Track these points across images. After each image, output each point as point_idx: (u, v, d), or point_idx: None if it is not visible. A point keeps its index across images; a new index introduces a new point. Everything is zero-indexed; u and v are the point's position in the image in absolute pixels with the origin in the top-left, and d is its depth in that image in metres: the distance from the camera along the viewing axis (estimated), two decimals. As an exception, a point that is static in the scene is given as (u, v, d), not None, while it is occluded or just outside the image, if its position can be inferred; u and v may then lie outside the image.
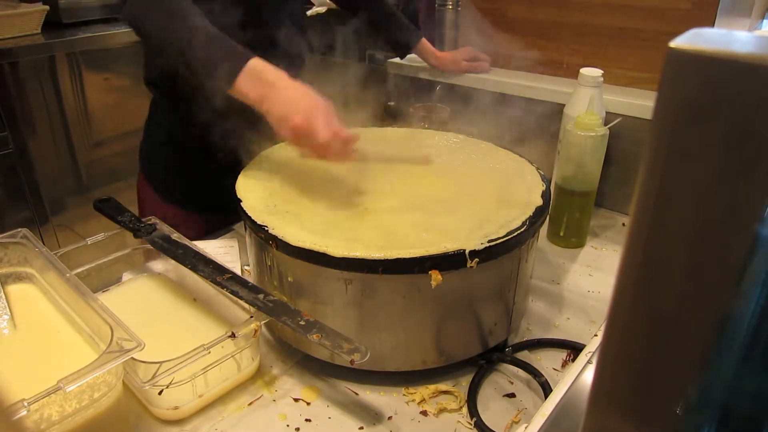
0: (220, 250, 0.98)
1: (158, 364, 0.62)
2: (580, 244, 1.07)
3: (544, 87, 1.21)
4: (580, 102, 1.01)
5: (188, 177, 1.14)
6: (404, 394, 0.74)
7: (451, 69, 1.32)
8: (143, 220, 0.88)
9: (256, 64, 0.78)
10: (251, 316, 0.71)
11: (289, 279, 0.72)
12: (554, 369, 0.78)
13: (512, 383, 0.76)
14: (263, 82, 0.77)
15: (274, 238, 0.69)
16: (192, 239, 0.86)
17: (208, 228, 1.13)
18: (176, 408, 0.68)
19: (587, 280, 0.98)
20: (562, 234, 1.06)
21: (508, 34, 1.29)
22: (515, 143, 0.98)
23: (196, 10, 0.82)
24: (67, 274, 0.72)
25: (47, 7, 2.10)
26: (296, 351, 0.79)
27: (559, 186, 1.03)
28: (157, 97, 1.13)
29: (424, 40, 1.30)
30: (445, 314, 0.71)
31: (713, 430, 0.28)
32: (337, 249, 0.66)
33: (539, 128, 1.23)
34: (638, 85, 1.15)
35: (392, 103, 1.45)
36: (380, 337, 0.71)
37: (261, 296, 0.71)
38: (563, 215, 1.05)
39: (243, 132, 0.93)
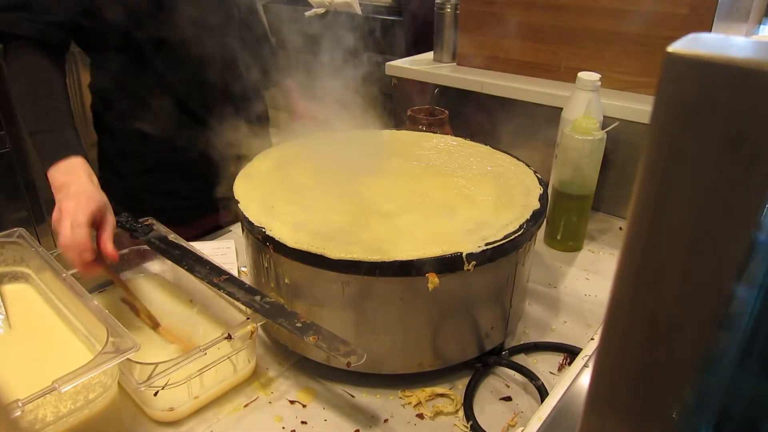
0: (217, 251, 0.98)
1: (154, 366, 0.62)
2: (577, 248, 1.08)
3: (542, 91, 1.21)
4: (578, 106, 1.01)
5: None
6: (400, 397, 0.74)
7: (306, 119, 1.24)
8: (140, 221, 0.88)
9: (65, 165, 0.83)
10: (248, 318, 0.71)
11: (286, 281, 0.72)
12: (551, 372, 0.78)
13: (509, 386, 0.76)
14: (57, 184, 0.82)
15: (271, 239, 0.69)
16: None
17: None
18: (172, 409, 0.68)
19: (584, 284, 0.98)
20: (559, 237, 1.06)
21: (506, 37, 1.29)
22: (513, 146, 0.98)
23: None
24: (64, 274, 0.72)
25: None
26: (292, 353, 0.79)
27: (557, 189, 1.03)
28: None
29: (292, 90, 1.25)
30: (442, 317, 0.71)
31: (709, 434, 0.28)
32: (334, 251, 0.66)
33: (537, 132, 1.23)
34: (636, 89, 1.15)
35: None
36: (377, 340, 0.71)
37: (258, 298, 0.71)
38: (560, 219, 1.05)
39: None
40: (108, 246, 0.77)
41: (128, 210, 0.99)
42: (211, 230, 1.13)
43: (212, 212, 1.15)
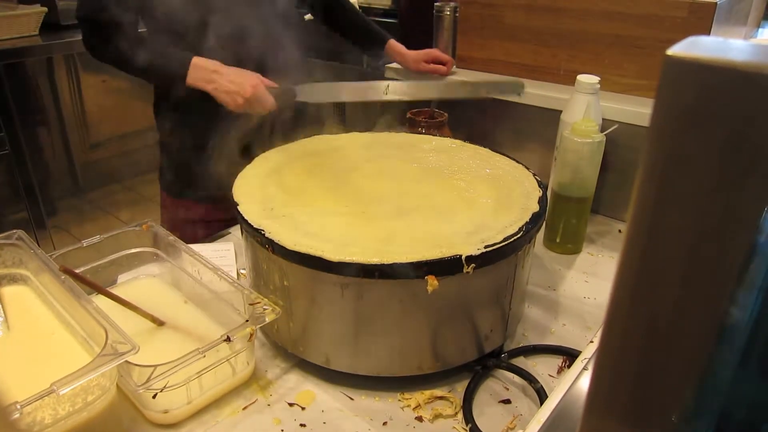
0: (216, 253, 0.98)
1: (153, 368, 0.62)
2: (576, 251, 1.08)
3: (542, 93, 1.21)
4: (577, 108, 1.01)
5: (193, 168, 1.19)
6: (399, 400, 0.73)
7: (412, 68, 1.35)
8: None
9: (197, 60, 1.01)
10: (247, 320, 0.71)
11: (285, 283, 0.72)
12: (550, 375, 0.78)
13: (508, 389, 0.76)
14: (207, 71, 1.01)
15: (271, 242, 0.69)
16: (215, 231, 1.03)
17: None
18: (170, 412, 0.68)
19: (583, 287, 0.98)
20: (558, 240, 1.06)
21: (505, 40, 1.30)
22: (512, 149, 0.98)
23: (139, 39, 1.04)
24: (62, 276, 0.72)
25: (45, 9, 2.10)
26: (291, 355, 0.79)
27: (556, 192, 1.03)
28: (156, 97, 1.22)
29: (391, 41, 1.37)
30: (441, 319, 0.71)
31: (709, 437, 0.28)
32: (333, 253, 0.66)
33: (536, 134, 1.23)
34: (635, 92, 1.15)
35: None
36: (376, 342, 0.71)
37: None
38: (560, 221, 1.05)
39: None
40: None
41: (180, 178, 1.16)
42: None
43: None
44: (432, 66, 1.33)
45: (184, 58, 1.01)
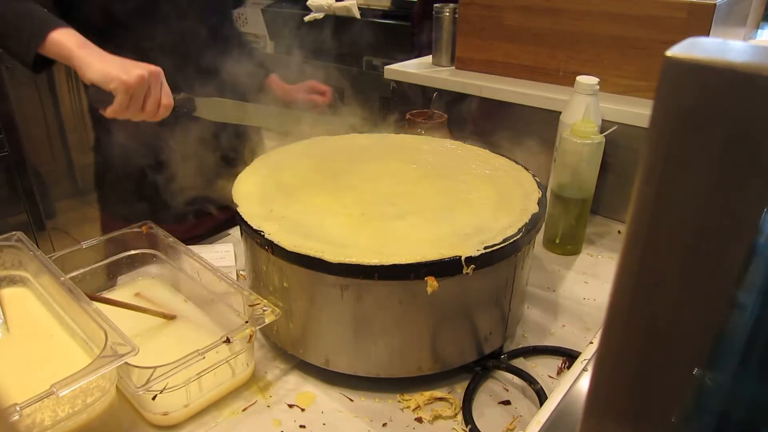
0: (216, 254, 0.98)
1: (152, 369, 0.62)
2: (575, 252, 1.08)
3: (541, 94, 1.21)
4: (577, 110, 1.01)
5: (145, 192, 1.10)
6: (399, 401, 0.73)
7: (289, 99, 1.28)
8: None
9: (72, 31, 0.82)
10: (246, 322, 0.71)
11: (285, 284, 0.72)
12: (549, 376, 0.78)
13: (507, 390, 0.76)
14: (82, 41, 0.81)
15: (270, 243, 0.69)
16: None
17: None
18: (170, 413, 0.68)
19: (583, 288, 0.98)
20: (557, 241, 1.06)
21: (505, 41, 1.30)
22: (511, 150, 0.98)
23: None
24: (62, 278, 0.72)
25: (45, 11, 2.10)
26: (291, 357, 0.79)
27: (555, 193, 1.03)
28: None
29: (272, 76, 1.28)
30: (441, 321, 0.71)
31: (709, 438, 0.28)
32: (332, 254, 0.66)
33: (535, 135, 1.23)
34: (634, 93, 1.15)
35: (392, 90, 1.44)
36: (375, 343, 0.71)
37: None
38: (559, 222, 1.05)
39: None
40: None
41: (129, 207, 1.01)
42: (212, 231, 1.14)
43: (210, 212, 1.14)
44: (309, 96, 1.25)
45: (52, 20, 0.82)
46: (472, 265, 0.66)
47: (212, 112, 0.85)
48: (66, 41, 0.80)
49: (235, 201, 0.78)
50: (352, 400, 0.74)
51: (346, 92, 2.33)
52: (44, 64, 0.85)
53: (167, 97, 0.81)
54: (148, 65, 0.79)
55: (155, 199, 1.06)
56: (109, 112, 0.79)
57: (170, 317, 0.82)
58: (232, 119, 0.84)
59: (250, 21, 2.94)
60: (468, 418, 0.70)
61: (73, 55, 0.79)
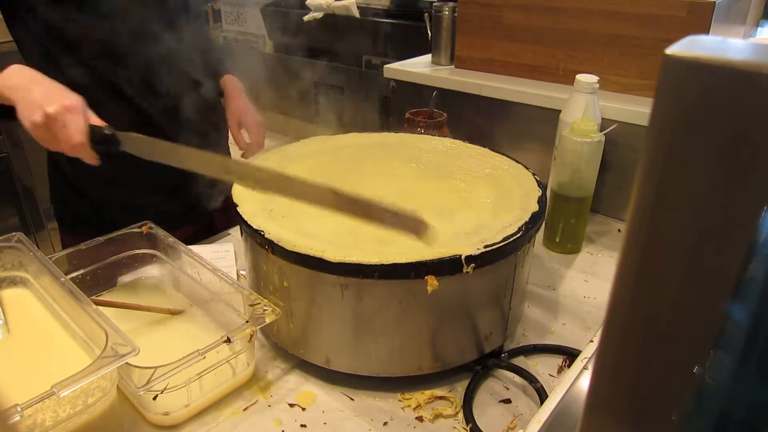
0: (216, 254, 0.98)
1: (153, 369, 0.62)
2: (576, 250, 1.08)
3: (540, 93, 1.21)
4: (576, 108, 1.01)
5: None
6: (400, 400, 0.73)
7: (228, 119, 1.13)
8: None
9: (19, 66, 0.80)
10: (247, 321, 0.71)
11: (285, 284, 0.72)
12: (550, 375, 0.78)
13: (508, 389, 0.76)
14: (23, 76, 0.78)
15: (270, 242, 0.69)
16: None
17: None
18: (171, 413, 0.68)
19: (583, 286, 0.98)
20: (558, 240, 1.06)
21: (504, 40, 1.30)
22: (511, 149, 0.98)
23: None
24: (62, 279, 0.72)
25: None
26: (292, 356, 0.79)
27: (555, 192, 1.03)
28: None
29: (227, 76, 1.15)
30: (441, 320, 0.71)
31: (709, 436, 0.28)
32: (333, 254, 0.66)
33: (535, 134, 1.23)
34: (634, 91, 1.15)
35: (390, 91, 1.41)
36: (376, 343, 0.71)
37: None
38: (559, 221, 1.05)
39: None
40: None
41: (90, 225, 0.97)
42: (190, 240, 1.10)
43: (185, 222, 1.12)
44: (238, 136, 1.11)
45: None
46: (473, 264, 0.66)
47: (139, 148, 0.75)
48: (4, 90, 0.77)
49: (235, 200, 0.78)
50: (352, 400, 0.74)
51: (345, 91, 2.33)
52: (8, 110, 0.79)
53: (78, 135, 0.73)
54: (64, 98, 0.74)
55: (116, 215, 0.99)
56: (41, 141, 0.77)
57: (177, 312, 0.83)
58: (162, 159, 0.73)
59: (249, 21, 2.94)
60: (469, 417, 0.70)
61: (12, 101, 0.76)
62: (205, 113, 1.06)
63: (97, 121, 0.76)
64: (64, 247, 0.99)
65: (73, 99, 0.74)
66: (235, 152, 1.15)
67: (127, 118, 0.98)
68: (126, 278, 0.90)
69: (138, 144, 0.75)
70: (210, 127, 1.09)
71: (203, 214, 1.14)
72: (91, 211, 1.07)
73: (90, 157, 0.76)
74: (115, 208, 1.06)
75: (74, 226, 1.10)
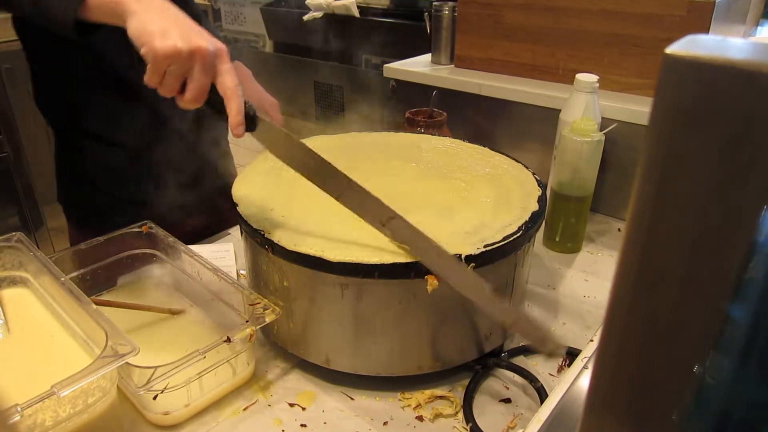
0: (216, 254, 0.98)
1: (153, 369, 0.62)
2: (576, 249, 1.08)
3: (540, 92, 1.21)
4: (576, 107, 1.01)
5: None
6: (400, 399, 0.73)
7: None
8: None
9: None
10: (247, 321, 0.71)
11: (285, 284, 0.72)
12: (550, 374, 0.78)
13: (508, 388, 0.76)
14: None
15: (270, 242, 0.69)
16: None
17: None
18: (171, 413, 0.68)
19: (583, 285, 0.98)
20: (558, 239, 1.06)
21: (504, 39, 1.30)
22: (511, 148, 0.98)
23: None
24: (62, 279, 0.72)
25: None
26: (292, 356, 0.79)
27: (555, 191, 1.03)
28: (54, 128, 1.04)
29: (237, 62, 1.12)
30: (441, 319, 0.71)
31: (709, 436, 0.28)
32: (333, 253, 0.66)
33: (535, 133, 1.23)
34: (634, 91, 1.15)
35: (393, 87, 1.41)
36: (376, 342, 0.71)
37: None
38: (559, 220, 1.05)
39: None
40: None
41: (104, 219, 0.96)
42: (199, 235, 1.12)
43: (200, 215, 1.12)
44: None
45: None
46: (473, 264, 0.66)
47: (271, 140, 0.68)
48: None
49: (235, 200, 0.78)
50: (352, 399, 0.74)
51: (345, 91, 2.33)
52: (91, 29, 0.70)
53: (238, 83, 0.62)
54: (213, 39, 0.63)
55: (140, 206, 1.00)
56: (145, 80, 0.63)
57: (177, 312, 0.82)
58: (289, 160, 0.68)
59: (249, 20, 2.93)
60: (469, 417, 0.70)
61: (125, 8, 0.64)
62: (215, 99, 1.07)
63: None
64: (72, 244, 0.97)
65: (222, 43, 0.63)
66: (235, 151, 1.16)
67: (134, 107, 0.96)
68: (126, 278, 0.90)
69: (272, 135, 0.67)
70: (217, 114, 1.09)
71: (214, 207, 1.14)
72: (101, 205, 1.06)
73: (239, 122, 0.64)
74: (124, 203, 1.05)
75: (83, 221, 1.09)
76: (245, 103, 0.64)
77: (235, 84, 0.63)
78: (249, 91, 1.12)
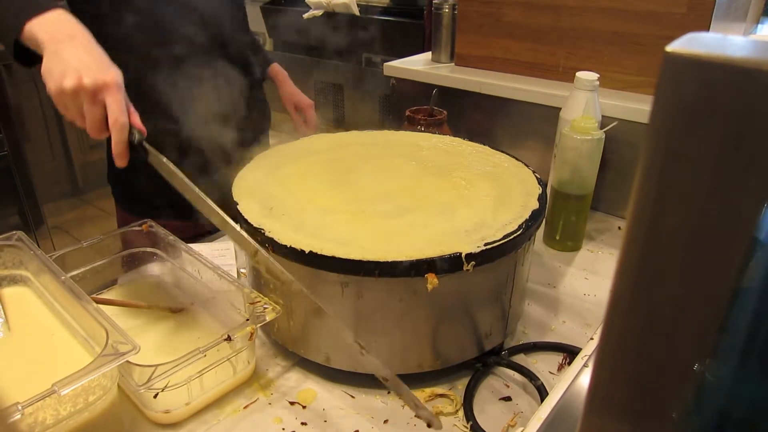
0: (216, 252, 0.98)
1: (154, 368, 0.62)
2: (576, 248, 1.08)
3: (541, 90, 1.21)
4: (576, 106, 1.01)
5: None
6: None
7: (284, 102, 1.24)
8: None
9: (60, 11, 0.71)
10: (247, 320, 0.71)
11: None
12: (550, 372, 0.78)
13: (508, 387, 0.76)
14: (63, 29, 0.69)
15: (271, 240, 0.69)
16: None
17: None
18: (171, 411, 0.68)
19: (583, 284, 0.98)
20: (558, 237, 1.06)
21: (504, 37, 1.30)
22: (511, 146, 0.98)
23: None
24: (62, 277, 0.72)
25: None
26: (292, 354, 0.79)
27: (556, 189, 1.03)
28: None
29: (275, 65, 1.25)
30: (441, 317, 0.71)
31: (709, 434, 0.28)
32: (333, 252, 0.66)
33: (535, 131, 1.23)
34: (634, 89, 1.15)
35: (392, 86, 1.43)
36: (376, 341, 0.71)
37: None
38: (559, 218, 1.05)
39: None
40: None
41: (136, 205, 0.99)
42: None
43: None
44: (296, 117, 1.22)
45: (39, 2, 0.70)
46: (473, 262, 0.66)
47: (160, 169, 0.70)
48: (39, 33, 0.68)
49: (235, 198, 0.78)
50: (353, 397, 0.74)
51: (345, 89, 2.33)
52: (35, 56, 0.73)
53: (122, 116, 0.67)
54: (105, 70, 0.67)
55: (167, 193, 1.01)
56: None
57: (177, 310, 0.83)
58: (178, 188, 0.70)
59: (249, 19, 2.93)
60: (469, 415, 0.70)
61: (43, 48, 0.68)
62: (254, 97, 1.11)
63: (132, 112, 0.70)
64: (119, 226, 1.00)
65: (113, 75, 0.67)
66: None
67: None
68: (126, 276, 0.90)
69: (160, 166, 0.70)
70: (256, 111, 1.14)
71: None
72: (145, 186, 1.05)
73: (118, 153, 0.69)
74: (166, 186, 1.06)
75: (126, 203, 1.13)
76: (131, 133, 0.69)
77: (115, 117, 0.67)
78: (288, 92, 1.21)
